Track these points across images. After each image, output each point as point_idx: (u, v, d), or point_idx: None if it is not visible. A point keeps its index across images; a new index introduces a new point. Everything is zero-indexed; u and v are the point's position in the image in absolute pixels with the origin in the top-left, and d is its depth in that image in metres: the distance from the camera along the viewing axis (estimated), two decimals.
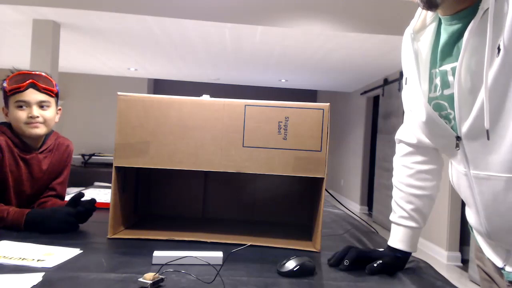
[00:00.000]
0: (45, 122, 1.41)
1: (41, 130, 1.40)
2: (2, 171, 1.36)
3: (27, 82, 1.37)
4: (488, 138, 0.79)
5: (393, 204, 1.09)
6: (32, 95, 1.38)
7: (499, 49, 0.74)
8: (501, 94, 0.76)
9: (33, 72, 1.40)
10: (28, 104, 1.38)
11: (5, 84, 1.37)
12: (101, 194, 1.85)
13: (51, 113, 1.43)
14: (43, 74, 1.42)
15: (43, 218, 1.21)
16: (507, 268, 0.92)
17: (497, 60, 0.75)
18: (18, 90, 1.37)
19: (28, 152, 1.42)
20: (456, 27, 0.84)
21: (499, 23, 0.75)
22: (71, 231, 1.23)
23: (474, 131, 0.82)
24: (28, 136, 1.41)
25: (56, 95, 1.45)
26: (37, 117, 1.38)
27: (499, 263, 0.94)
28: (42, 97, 1.40)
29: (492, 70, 0.75)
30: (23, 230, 1.20)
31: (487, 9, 0.76)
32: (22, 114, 1.37)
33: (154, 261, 0.97)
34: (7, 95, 1.38)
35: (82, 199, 1.30)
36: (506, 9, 0.74)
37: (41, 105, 1.40)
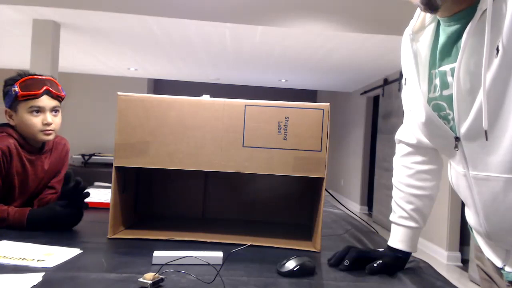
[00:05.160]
0: (56, 128, 1.43)
1: (52, 136, 1.43)
2: (10, 173, 1.37)
3: (43, 89, 1.38)
4: (486, 139, 0.79)
5: (393, 204, 1.09)
6: (47, 102, 1.39)
7: (497, 50, 0.74)
8: (500, 94, 0.76)
9: (44, 78, 1.42)
10: (42, 110, 1.39)
11: (16, 89, 1.37)
12: (101, 194, 1.85)
13: (60, 118, 1.46)
14: (53, 79, 1.44)
15: (44, 216, 1.23)
16: (507, 268, 0.92)
17: (496, 61, 0.75)
18: (34, 97, 1.37)
19: (33, 153, 1.44)
20: (454, 28, 0.84)
21: (497, 24, 0.74)
22: (73, 225, 1.27)
23: (472, 132, 0.82)
24: (40, 142, 1.43)
25: (62, 100, 1.47)
26: (51, 123, 1.40)
27: (498, 263, 0.94)
28: (54, 103, 1.42)
29: (491, 70, 0.75)
30: (26, 230, 1.21)
31: (486, 9, 0.76)
32: (37, 121, 1.38)
33: (154, 261, 0.97)
34: (18, 99, 1.38)
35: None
36: (505, 10, 0.74)
37: (53, 111, 1.42)
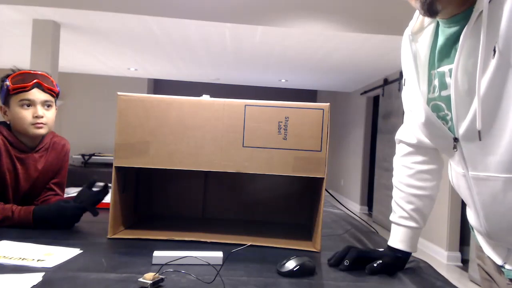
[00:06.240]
0: (48, 123, 1.42)
1: (44, 130, 1.41)
2: (1, 171, 1.36)
3: (33, 82, 1.38)
4: (479, 139, 0.79)
5: (393, 204, 1.09)
6: (37, 95, 1.39)
7: (494, 51, 0.74)
8: (497, 95, 0.76)
9: (36, 72, 1.41)
10: (33, 103, 1.38)
11: (7, 83, 1.37)
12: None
13: (53, 113, 1.44)
14: (45, 74, 1.43)
15: (51, 213, 1.24)
16: (507, 266, 0.92)
17: (493, 62, 0.75)
18: (24, 90, 1.37)
19: (24, 151, 1.43)
20: (453, 29, 0.84)
21: (494, 26, 0.74)
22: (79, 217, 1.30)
23: (470, 133, 0.82)
24: (31, 136, 1.42)
25: (56, 95, 1.46)
26: (42, 117, 1.39)
27: (499, 261, 0.94)
28: (46, 97, 1.41)
29: (488, 72, 0.75)
30: (32, 227, 1.22)
31: (482, 11, 0.76)
32: (27, 114, 1.37)
33: (154, 261, 0.97)
34: (10, 93, 1.38)
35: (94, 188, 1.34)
36: (501, 11, 0.74)
37: (44, 104, 1.41)
